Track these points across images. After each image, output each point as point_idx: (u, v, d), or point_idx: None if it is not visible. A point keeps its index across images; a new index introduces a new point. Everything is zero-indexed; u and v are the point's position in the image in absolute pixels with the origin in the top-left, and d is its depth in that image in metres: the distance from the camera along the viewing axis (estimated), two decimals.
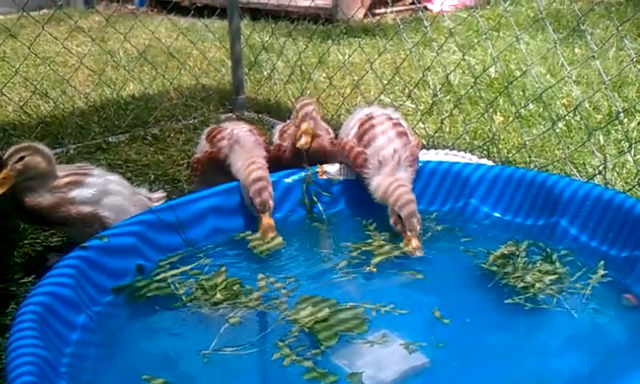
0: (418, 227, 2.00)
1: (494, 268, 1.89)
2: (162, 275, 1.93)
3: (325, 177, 2.27)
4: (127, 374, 1.58)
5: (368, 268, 1.95)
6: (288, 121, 2.51)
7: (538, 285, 1.80)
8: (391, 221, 2.06)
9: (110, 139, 3.26)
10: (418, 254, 1.97)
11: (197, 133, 3.29)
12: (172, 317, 1.79)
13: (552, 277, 1.83)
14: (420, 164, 2.28)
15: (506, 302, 1.76)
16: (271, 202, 2.09)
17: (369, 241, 2.08)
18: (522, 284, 1.80)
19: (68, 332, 1.65)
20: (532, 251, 1.96)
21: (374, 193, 2.14)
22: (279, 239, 2.05)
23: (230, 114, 3.65)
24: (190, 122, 3.50)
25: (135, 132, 3.32)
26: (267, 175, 2.14)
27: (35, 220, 2.13)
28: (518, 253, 1.94)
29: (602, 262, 1.86)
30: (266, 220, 2.07)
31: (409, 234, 2.00)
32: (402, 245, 2.01)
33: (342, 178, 2.28)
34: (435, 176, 2.27)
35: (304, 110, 2.27)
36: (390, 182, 2.09)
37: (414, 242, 1.98)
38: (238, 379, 1.56)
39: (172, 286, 1.88)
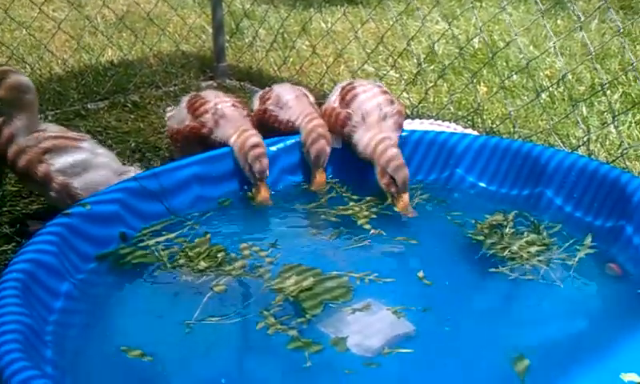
0: None
1: (481, 237, 1.90)
2: (146, 242, 1.91)
3: None
4: (111, 342, 1.56)
5: (374, 232, 1.95)
6: (267, 88, 2.49)
7: (524, 255, 1.80)
8: (382, 182, 2.05)
9: (89, 106, 3.20)
10: (412, 215, 2.01)
11: (177, 100, 3.22)
12: (156, 285, 1.78)
13: (539, 247, 1.84)
14: (405, 133, 2.27)
15: (491, 271, 1.76)
16: (267, 172, 2.11)
17: (353, 208, 2.08)
18: (509, 254, 1.81)
19: (52, 300, 1.62)
20: (519, 222, 1.97)
21: (362, 150, 2.13)
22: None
23: (211, 82, 3.60)
24: (171, 89, 3.46)
25: (115, 99, 3.27)
26: (262, 142, 2.14)
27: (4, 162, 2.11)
28: (505, 223, 1.94)
29: (590, 234, 1.87)
30: (263, 191, 2.10)
31: (404, 197, 2.01)
32: (395, 208, 2.03)
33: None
34: (421, 145, 2.26)
35: (316, 149, 2.19)
36: (380, 138, 2.09)
37: (410, 210, 2.01)
38: (222, 349, 1.56)
39: (156, 254, 1.86)
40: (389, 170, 2.03)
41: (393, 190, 2.04)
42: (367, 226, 1.98)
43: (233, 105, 2.28)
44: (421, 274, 1.76)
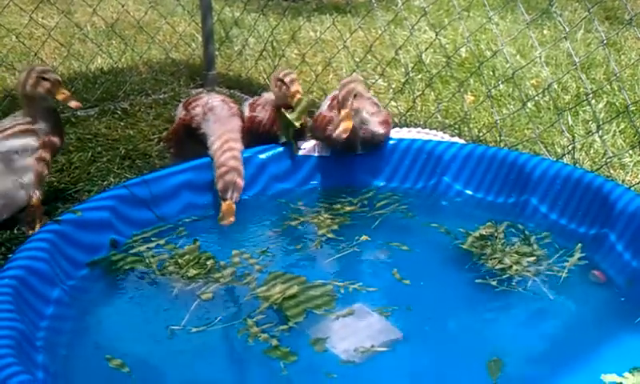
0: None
1: (471, 247, 1.92)
2: (137, 249, 1.93)
3: (300, 153, 2.28)
4: (97, 349, 1.58)
5: (360, 238, 1.98)
6: (257, 96, 2.52)
7: (514, 266, 1.83)
8: (326, 106, 2.21)
9: (79, 113, 3.20)
10: (344, 136, 2.06)
11: (167, 108, 3.26)
12: (145, 292, 1.80)
13: (529, 259, 1.86)
14: (393, 141, 2.30)
15: (478, 281, 1.79)
16: (237, 195, 2.05)
17: (341, 216, 2.11)
18: (498, 265, 1.83)
19: (43, 306, 1.64)
20: (510, 232, 1.99)
21: (333, 129, 2.17)
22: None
23: (201, 90, 3.62)
24: (160, 96, 3.47)
25: (104, 106, 3.28)
26: (240, 163, 2.11)
27: None
28: (496, 234, 1.97)
29: (580, 245, 1.90)
30: (226, 205, 2.02)
31: (343, 112, 2.07)
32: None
33: (316, 154, 2.29)
34: (408, 154, 2.29)
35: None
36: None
37: (344, 125, 2.06)
38: (201, 356, 1.57)
39: (147, 261, 1.88)
40: (339, 86, 2.12)
41: (337, 106, 2.13)
42: (357, 235, 2.00)
43: (222, 100, 2.31)
44: (406, 281, 1.79)
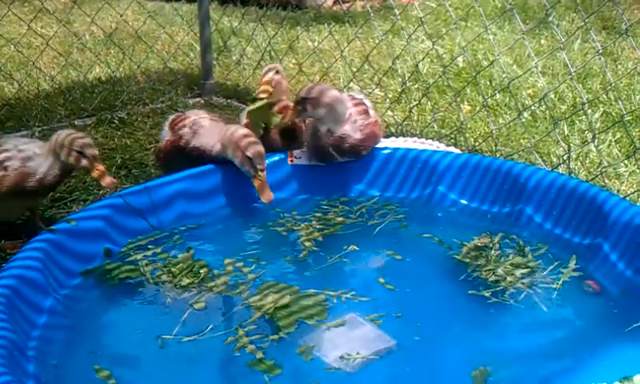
0: None
1: (465, 258, 1.92)
2: (131, 258, 1.93)
3: (295, 162, 2.28)
4: (87, 359, 1.57)
5: (349, 247, 1.98)
6: None
7: (508, 278, 1.82)
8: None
9: (76, 122, 3.21)
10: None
11: (164, 117, 3.25)
12: (138, 301, 1.80)
13: (524, 271, 1.86)
14: (389, 150, 2.31)
15: (471, 292, 1.78)
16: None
17: (334, 227, 2.11)
18: (493, 277, 1.83)
19: (35, 315, 1.64)
20: (505, 243, 1.99)
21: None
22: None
23: (199, 99, 3.63)
24: (158, 106, 3.47)
25: (102, 115, 3.28)
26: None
27: None
28: (491, 245, 1.97)
29: (574, 256, 1.89)
30: (262, 180, 2.08)
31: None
32: None
33: (310, 163, 2.29)
34: (404, 163, 2.30)
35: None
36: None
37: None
38: (189, 366, 1.57)
39: (140, 270, 1.88)
40: None
41: None
42: (350, 244, 2.00)
43: (211, 119, 2.31)
44: (398, 293, 1.79)
